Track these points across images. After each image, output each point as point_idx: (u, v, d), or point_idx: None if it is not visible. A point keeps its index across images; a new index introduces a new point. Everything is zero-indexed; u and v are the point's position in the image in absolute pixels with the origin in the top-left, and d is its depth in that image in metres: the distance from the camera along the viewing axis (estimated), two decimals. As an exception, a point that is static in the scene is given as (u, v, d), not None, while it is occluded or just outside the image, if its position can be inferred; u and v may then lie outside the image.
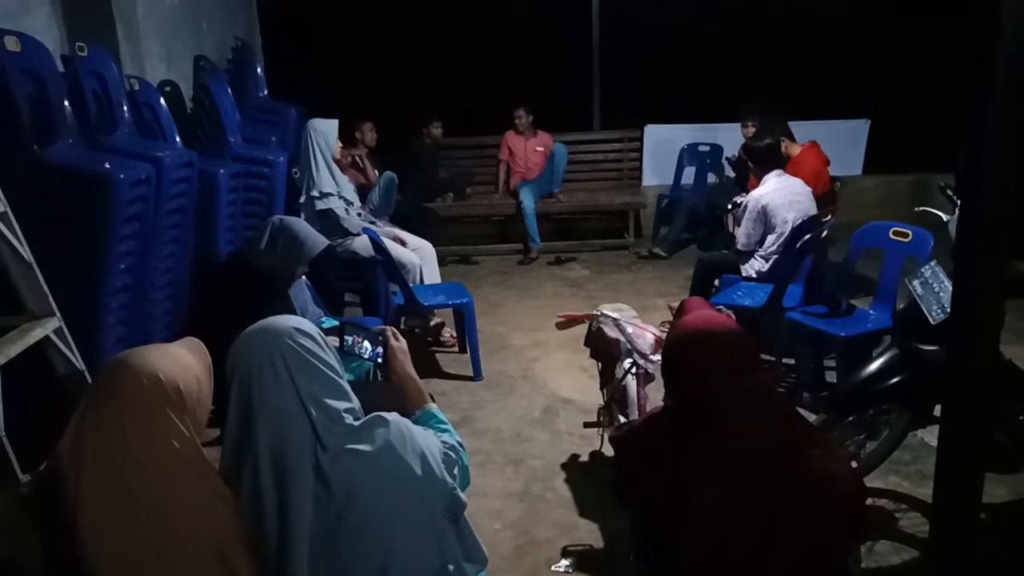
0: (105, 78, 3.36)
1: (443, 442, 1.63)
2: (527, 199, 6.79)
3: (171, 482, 1.38)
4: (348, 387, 1.57)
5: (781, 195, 4.34)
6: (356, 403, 1.57)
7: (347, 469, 1.45)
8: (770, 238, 4.39)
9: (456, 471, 1.60)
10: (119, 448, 1.35)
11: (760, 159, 4.58)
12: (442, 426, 1.76)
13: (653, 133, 7.67)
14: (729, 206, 4.71)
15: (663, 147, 7.56)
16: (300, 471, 1.44)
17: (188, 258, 3.74)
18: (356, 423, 1.53)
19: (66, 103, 3.02)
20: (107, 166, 2.92)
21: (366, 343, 1.92)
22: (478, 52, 8.15)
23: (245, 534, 1.45)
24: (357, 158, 6.05)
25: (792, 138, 5.40)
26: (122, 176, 2.91)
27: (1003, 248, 1.42)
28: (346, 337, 1.89)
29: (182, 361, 1.48)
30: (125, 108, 3.43)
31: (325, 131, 4.71)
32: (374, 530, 1.45)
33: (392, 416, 1.55)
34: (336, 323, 3.00)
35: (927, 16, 7.15)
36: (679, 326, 1.72)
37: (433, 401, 1.88)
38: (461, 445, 1.69)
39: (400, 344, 1.92)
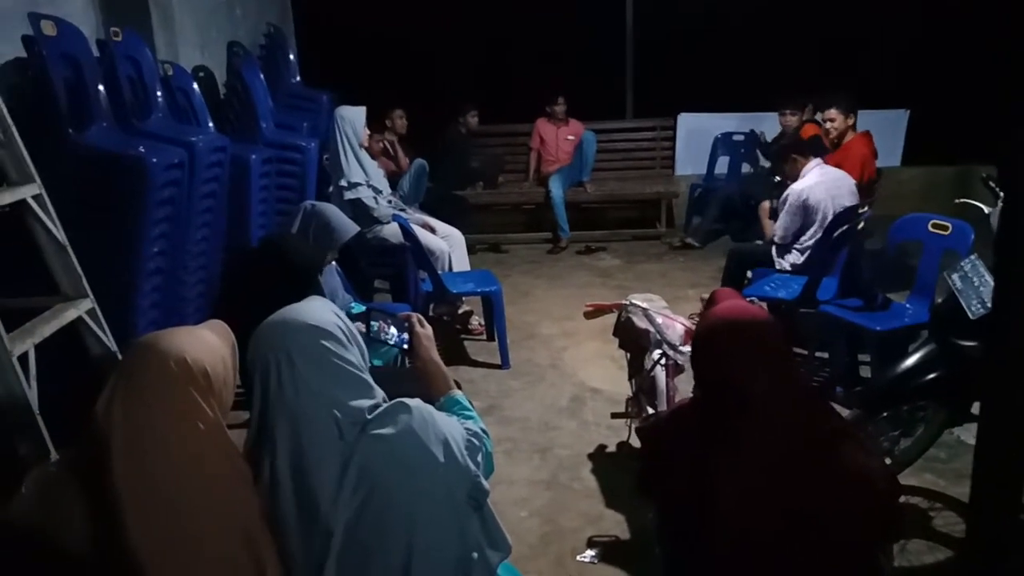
0: (139, 63, 3.39)
1: (467, 429, 1.61)
2: (556, 188, 6.75)
3: (196, 463, 1.38)
4: (371, 380, 1.54)
5: (823, 189, 4.25)
6: (380, 396, 1.54)
7: (369, 455, 1.44)
8: (809, 231, 4.31)
9: (480, 458, 1.58)
10: (146, 428, 1.36)
11: (797, 152, 4.49)
12: (466, 412, 1.74)
13: (687, 122, 7.58)
14: (776, 178, 4.56)
15: (697, 136, 7.46)
16: (322, 474, 1.44)
17: (220, 242, 3.78)
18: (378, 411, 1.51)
19: (101, 87, 3.06)
20: (141, 150, 2.96)
21: (392, 329, 1.93)
22: (510, 39, 8.11)
23: (269, 518, 1.45)
24: (387, 145, 6.05)
25: (855, 117, 5.21)
26: (155, 160, 2.94)
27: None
28: (372, 323, 1.90)
29: (208, 343, 1.48)
30: (159, 93, 3.46)
31: (352, 118, 4.70)
32: (397, 517, 1.44)
33: (414, 402, 1.53)
34: (364, 309, 3.02)
35: (968, 1, 6.96)
36: (709, 316, 1.70)
37: (459, 388, 1.87)
38: (485, 432, 1.67)
39: (425, 330, 1.91)
